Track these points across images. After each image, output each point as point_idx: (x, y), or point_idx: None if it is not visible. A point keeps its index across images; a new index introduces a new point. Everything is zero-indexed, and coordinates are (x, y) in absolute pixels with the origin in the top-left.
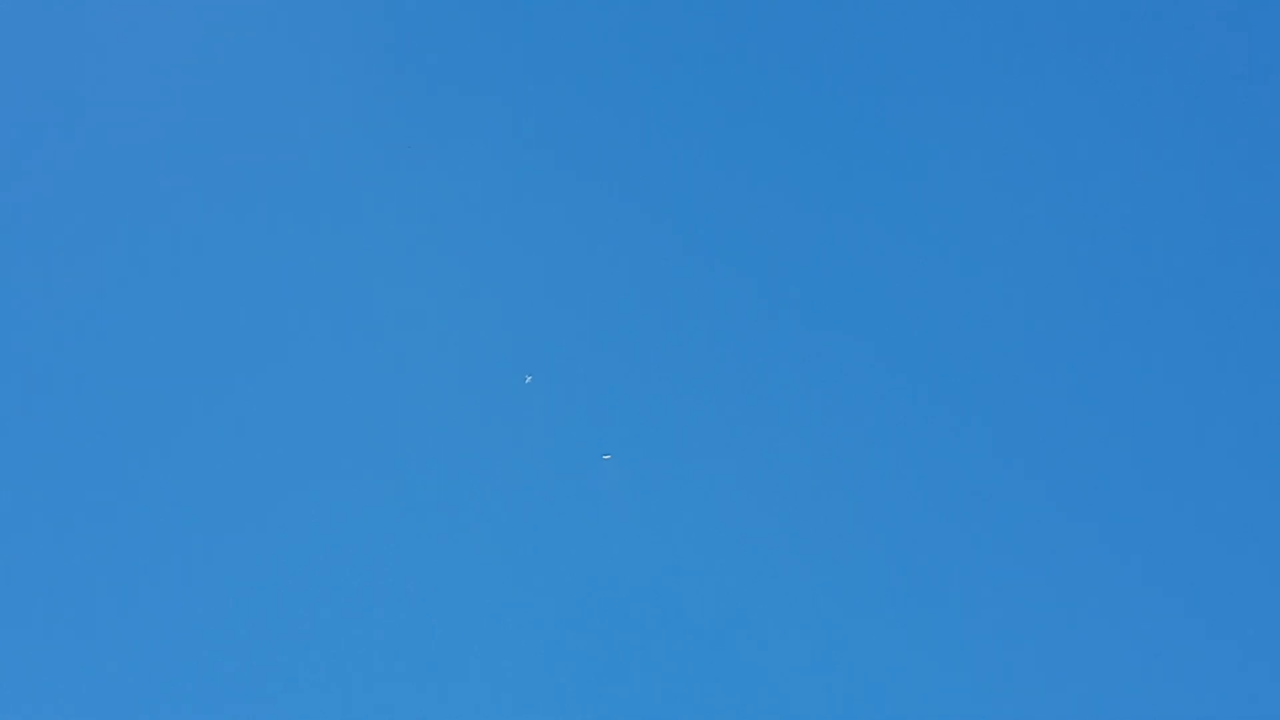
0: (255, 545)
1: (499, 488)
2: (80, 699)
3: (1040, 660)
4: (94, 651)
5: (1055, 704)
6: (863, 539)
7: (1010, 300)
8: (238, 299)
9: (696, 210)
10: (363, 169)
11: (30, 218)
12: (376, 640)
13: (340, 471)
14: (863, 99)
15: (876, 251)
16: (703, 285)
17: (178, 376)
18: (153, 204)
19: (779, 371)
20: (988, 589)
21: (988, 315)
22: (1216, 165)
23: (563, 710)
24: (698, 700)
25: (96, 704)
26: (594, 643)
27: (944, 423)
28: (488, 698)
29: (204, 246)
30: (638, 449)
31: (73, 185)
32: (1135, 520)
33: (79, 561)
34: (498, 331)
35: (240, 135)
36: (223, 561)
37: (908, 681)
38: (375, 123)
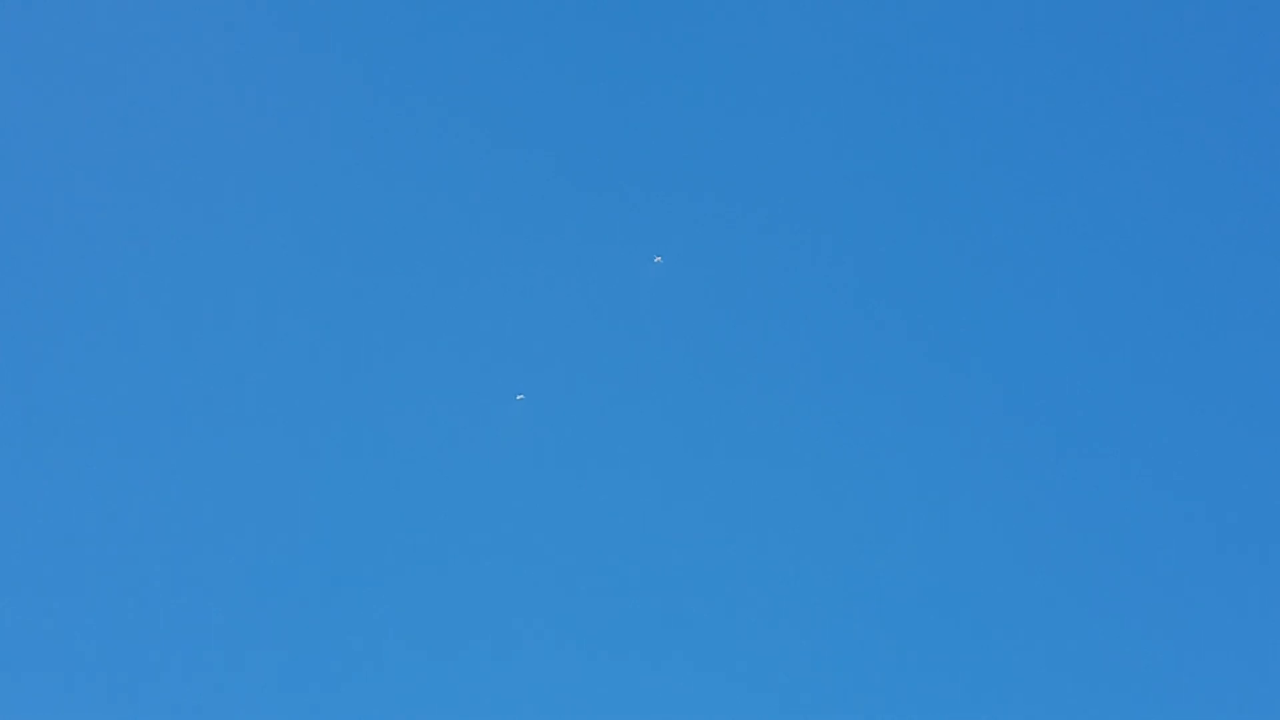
0: (252, 542)
1: (497, 486)
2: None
3: (1038, 658)
4: (87, 646)
5: (1054, 702)
6: (881, 565)
7: (1011, 300)
8: (235, 297)
9: (695, 211)
10: (357, 167)
11: (28, 216)
12: (373, 637)
13: (337, 468)
14: (865, 107)
15: (887, 256)
16: (700, 282)
17: (174, 377)
18: (151, 203)
19: (776, 370)
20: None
21: (988, 310)
22: (1216, 165)
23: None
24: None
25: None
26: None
27: (942, 420)
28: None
29: (202, 245)
30: (635, 449)
31: (70, 184)
32: (1132, 515)
33: (74, 557)
34: (492, 329)
35: (232, 133)
36: (222, 562)
37: (906, 677)
38: (368, 121)
